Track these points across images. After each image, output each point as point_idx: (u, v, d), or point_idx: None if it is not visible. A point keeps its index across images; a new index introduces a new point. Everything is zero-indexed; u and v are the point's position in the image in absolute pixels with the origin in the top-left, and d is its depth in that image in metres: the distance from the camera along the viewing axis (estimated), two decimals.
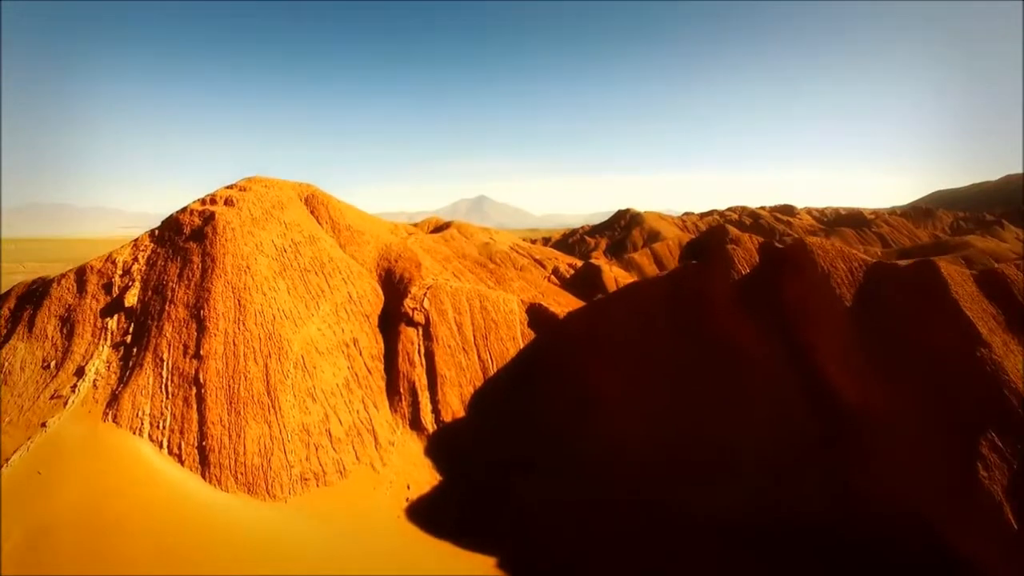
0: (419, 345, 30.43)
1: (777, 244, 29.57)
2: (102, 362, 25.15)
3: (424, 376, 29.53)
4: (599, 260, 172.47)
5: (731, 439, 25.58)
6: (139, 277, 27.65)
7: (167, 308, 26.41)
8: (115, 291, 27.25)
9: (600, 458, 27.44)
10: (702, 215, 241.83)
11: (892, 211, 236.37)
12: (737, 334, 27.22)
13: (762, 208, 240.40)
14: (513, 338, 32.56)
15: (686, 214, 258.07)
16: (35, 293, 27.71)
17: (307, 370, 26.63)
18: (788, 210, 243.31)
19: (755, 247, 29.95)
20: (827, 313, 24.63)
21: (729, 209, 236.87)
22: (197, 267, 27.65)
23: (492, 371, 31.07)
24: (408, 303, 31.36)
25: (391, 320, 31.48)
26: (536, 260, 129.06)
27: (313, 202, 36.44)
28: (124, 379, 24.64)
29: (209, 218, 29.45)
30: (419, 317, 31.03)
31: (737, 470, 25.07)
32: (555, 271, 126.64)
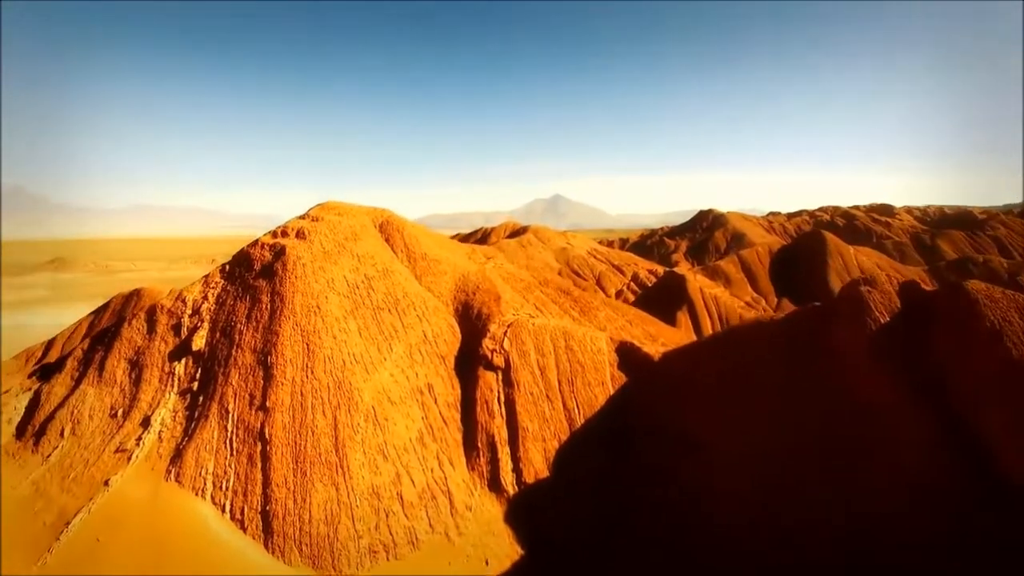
0: (499, 392, 27.51)
1: (924, 286, 24.67)
2: (168, 411, 23.66)
3: (504, 428, 26.58)
4: (681, 266, 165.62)
5: (863, 515, 21.31)
6: (208, 317, 26.11)
7: (234, 353, 24.68)
8: (184, 332, 25.81)
9: (703, 533, 23.71)
10: (790, 215, 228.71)
11: (1007, 209, 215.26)
12: (874, 397, 22.73)
13: (856, 208, 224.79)
14: (602, 383, 29.10)
15: (772, 214, 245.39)
16: (107, 334, 26.66)
17: (378, 423, 24.23)
18: (886, 210, 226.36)
19: (895, 289, 25.13)
20: (999, 379, 19.88)
21: (820, 209, 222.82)
22: (266, 307, 25.83)
23: (579, 421, 27.76)
24: (487, 344, 28.48)
25: (469, 362, 28.70)
26: (614, 266, 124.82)
27: (388, 229, 34.23)
28: (189, 431, 23.02)
29: (279, 253, 27.62)
30: (499, 360, 28.09)
31: (870, 556, 20.83)
32: (635, 278, 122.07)
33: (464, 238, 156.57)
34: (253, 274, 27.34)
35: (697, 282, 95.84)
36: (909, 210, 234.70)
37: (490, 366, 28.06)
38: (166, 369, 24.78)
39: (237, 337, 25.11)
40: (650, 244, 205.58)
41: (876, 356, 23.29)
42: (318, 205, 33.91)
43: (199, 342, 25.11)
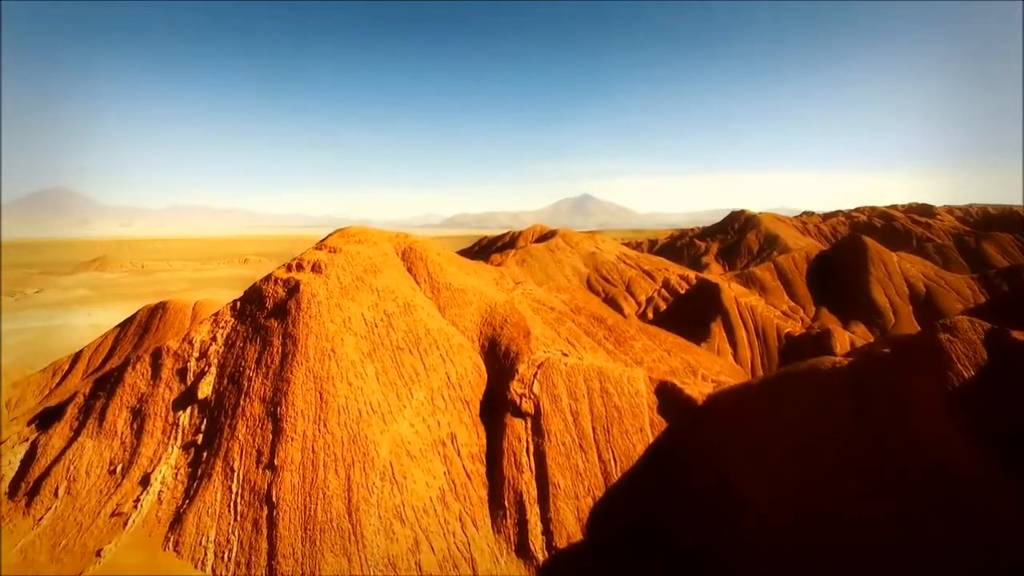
0: (527, 442, 24.98)
1: (1015, 334, 21.40)
2: (169, 468, 21.68)
3: (533, 484, 24.04)
4: (712, 269, 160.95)
5: None
6: (215, 361, 24.08)
7: (242, 402, 22.61)
8: (190, 378, 23.84)
9: None
10: (825, 216, 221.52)
11: None
12: (960, 467, 19.71)
13: (895, 208, 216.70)
14: (640, 429, 26.37)
15: (806, 214, 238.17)
16: (110, 378, 24.83)
17: (396, 481, 21.91)
18: (926, 210, 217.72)
19: (980, 337, 21.88)
20: None
21: (857, 210, 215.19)
22: (277, 351, 23.71)
23: (615, 475, 25.10)
24: (515, 387, 25.97)
25: (495, 407, 26.23)
26: (645, 271, 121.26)
27: (411, 256, 31.93)
28: (191, 491, 20.98)
29: (293, 289, 25.49)
30: (528, 406, 25.57)
31: None
32: (665, 284, 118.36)
33: (491, 242, 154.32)
34: (265, 313, 25.25)
35: (731, 291, 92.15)
36: (950, 210, 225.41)
37: (518, 412, 25.56)
38: (169, 419, 22.82)
39: (246, 384, 23.03)
40: (680, 246, 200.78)
41: (960, 417, 20.21)
42: (338, 232, 31.75)
43: (205, 389, 23.11)
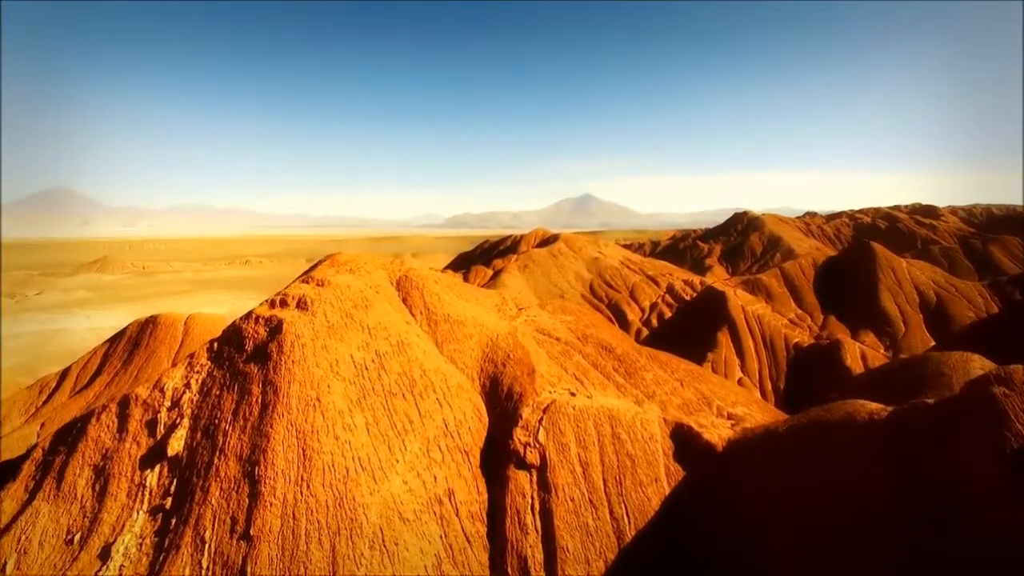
0: (532, 498, 22.60)
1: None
2: (133, 538, 19.30)
3: (539, 548, 21.65)
4: (715, 271, 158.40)
5: None
6: (188, 412, 21.69)
7: (216, 461, 20.24)
8: (160, 431, 21.44)
9: None
10: (828, 217, 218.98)
11: None
12: (1017, 527, 17.36)
13: (898, 209, 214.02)
14: (655, 479, 23.98)
15: (808, 215, 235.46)
16: (73, 429, 22.42)
17: (386, 550, 19.53)
18: (930, 211, 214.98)
19: None
20: None
21: (860, 211, 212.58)
22: (256, 401, 21.33)
23: (628, 534, 22.73)
24: (519, 436, 23.57)
25: (497, 457, 23.84)
26: (648, 276, 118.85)
27: (406, 286, 29.48)
28: (155, 566, 18.60)
29: (275, 329, 23.08)
30: (533, 457, 23.18)
31: None
32: (669, 289, 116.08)
33: (493, 246, 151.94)
34: (244, 356, 22.81)
35: (738, 298, 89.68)
36: (953, 211, 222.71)
37: (523, 464, 23.19)
38: (136, 479, 20.43)
39: (221, 439, 20.63)
40: (683, 248, 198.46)
41: (1019, 481, 17.81)
42: (327, 259, 29.34)
43: (176, 445, 20.71)
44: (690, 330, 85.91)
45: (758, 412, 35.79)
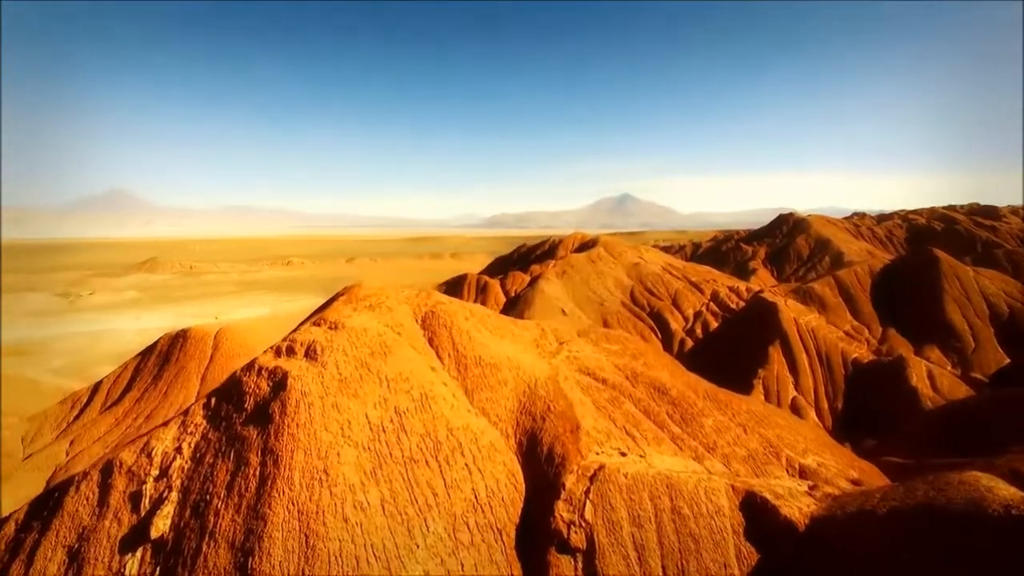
0: None
1: None
2: None
3: None
4: (761, 278, 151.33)
5: None
6: (178, 484, 18.51)
7: (205, 548, 16.98)
8: (144, 506, 18.31)
9: None
10: (879, 218, 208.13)
11: None
12: None
13: (954, 209, 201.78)
14: (724, 565, 19.86)
15: (857, 216, 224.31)
16: (50, 500, 19.47)
17: None
18: (989, 211, 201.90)
19: None
20: None
21: (914, 212, 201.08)
22: (254, 473, 18.03)
23: None
24: (561, 512, 19.74)
25: (535, 537, 20.05)
26: (692, 283, 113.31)
27: (433, 324, 25.86)
28: None
29: (279, 384, 19.76)
30: (578, 539, 19.32)
31: None
32: (714, 296, 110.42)
33: (530, 250, 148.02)
34: (243, 416, 19.51)
35: (790, 309, 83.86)
36: (1015, 210, 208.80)
37: (566, 547, 19.38)
38: (114, 565, 17.33)
39: (212, 520, 17.36)
40: (725, 250, 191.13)
41: None
42: (345, 294, 25.96)
43: (160, 526, 17.52)
44: (738, 343, 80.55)
45: (831, 459, 31.15)
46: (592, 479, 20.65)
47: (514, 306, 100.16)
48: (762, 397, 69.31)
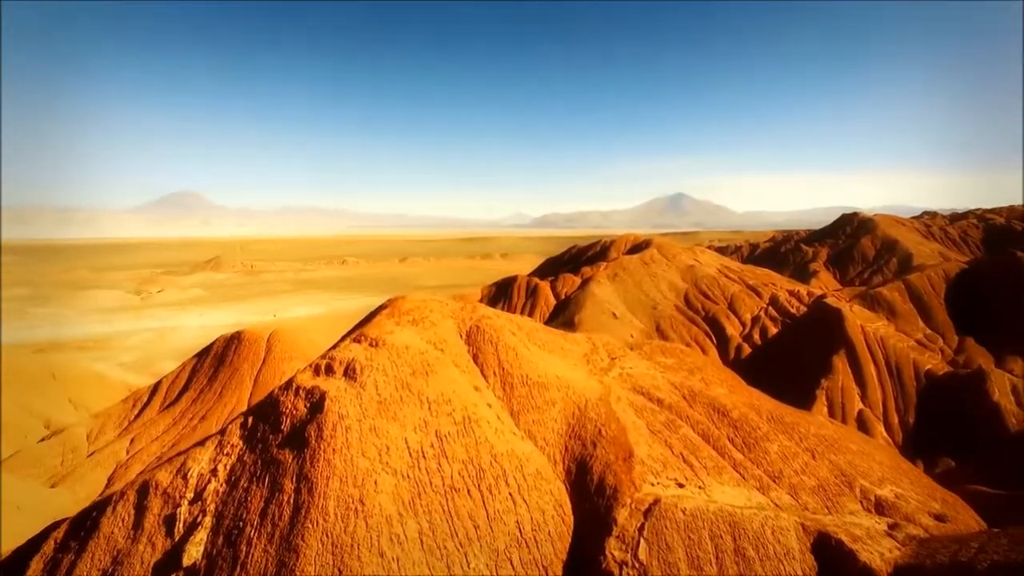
0: None
1: None
2: None
3: None
4: (823, 281, 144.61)
5: None
6: (212, 508, 17.80)
7: None
8: (178, 530, 17.66)
9: None
10: (952, 218, 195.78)
11: None
12: None
13: None
14: None
15: (927, 215, 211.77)
16: (88, 519, 19.07)
17: None
18: None
19: None
20: None
21: (991, 211, 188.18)
22: (288, 500, 17.13)
23: None
24: (613, 551, 18.08)
25: (583, 575, 18.51)
26: (749, 286, 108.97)
27: (478, 339, 24.56)
28: None
29: (316, 405, 18.84)
30: None
31: None
32: (773, 301, 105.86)
33: (581, 251, 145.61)
34: (279, 438, 18.68)
35: (856, 316, 79.21)
36: None
37: None
38: None
39: (244, 550, 16.53)
40: (784, 251, 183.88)
41: None
42: (388, 306, 24.90)
43: (193, 552, 16.82)
44: (800, 351, 76.42)
45: (911, 489, 28.32)
46: (647, 514, 18.93)
47: (564, 309, 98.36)
48: (825, 409, 65.53)
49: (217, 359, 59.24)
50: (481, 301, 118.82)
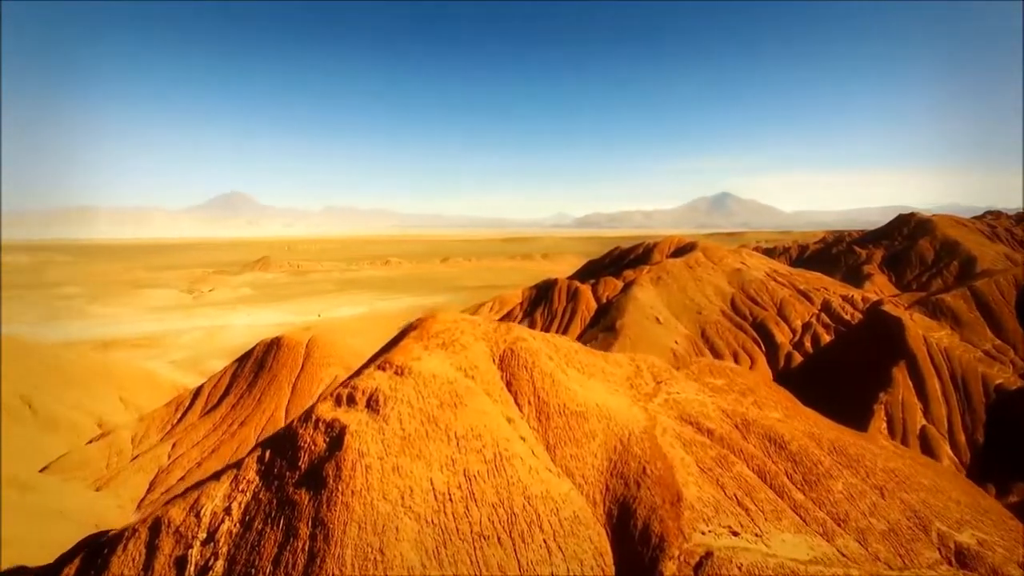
0: None
1: None
2: None
3: None
4: (877, 285, 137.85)
5: None
6: (224, 551, 16.51)
7: None
8: (190, 573, 16.50)
9: None
10: (1018, 218, 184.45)
11: None
12: None
13: None
14: None
15: (991, 214, 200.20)
16: (99, 556, 18.08)
17: None
18: None
19: None
20: None
21: None
22: (302, 548, 15.72)
23: None
24: None
25: None
26: (799, 291, 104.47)
27: (511, 364, 22.74)
28: None
29: (336, 441, 17.39)
30: None
31: None
32: (825, 307, 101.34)
33: (623, 254, 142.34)
34: (296, 476, 17.28)
35: (917, 324, 74.47)
36: None
37: None
38: None
39: None
40: (836, 253, 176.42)
41: None
42: (417, 326, 23.18)
43: None
44: (856, 362, 72.07)
45: (995, 533, 25.28)
46: (697, 569, 16.84)
47: (606, 313, 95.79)
48: (884, 425, 61.54)
49: (257, 364, 59.17)
50: (521, 304, 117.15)
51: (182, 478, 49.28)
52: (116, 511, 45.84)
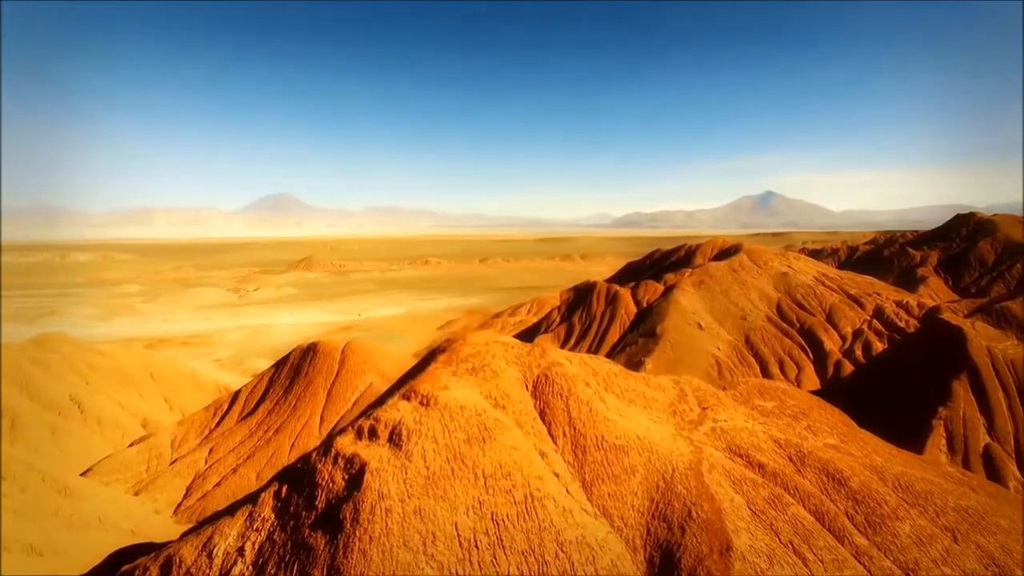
0: None
1: None
2: None
3: None
4: (933, 288, 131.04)
5: None
6: None
7: None
8: None
9: None
10: None
11: None
12: None
13: None
14: None
15: None
16: None
17: None
18: None
19: None
20: None
21: None
22: None
23: None
24: None
25: None
26: (850, 296, 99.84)
27: (546, 391, 21.11)
28: None
29: (355, 480, 16.10)
30: None
31: None
32: (877, 313, 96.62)
33: (664, 257, 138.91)
34: (313, 516, 16.06)
35: (979, 334, 69.83)
36: None
37: None
38: None
39: None
40: (888, 255, 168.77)
41: None
42: (447, 348, 21.68)
43: None
44: (911, 374, 67.87)
45: None
46: None
47: (646, 318, 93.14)
48: (944, 442, 57.57)
49: (293, 370, 59.03)
50: (559, 307, 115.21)
51: (218, 484, 49.34)
52: (153, 517, 46.10)
